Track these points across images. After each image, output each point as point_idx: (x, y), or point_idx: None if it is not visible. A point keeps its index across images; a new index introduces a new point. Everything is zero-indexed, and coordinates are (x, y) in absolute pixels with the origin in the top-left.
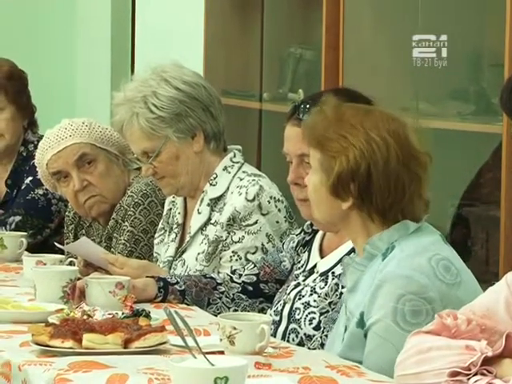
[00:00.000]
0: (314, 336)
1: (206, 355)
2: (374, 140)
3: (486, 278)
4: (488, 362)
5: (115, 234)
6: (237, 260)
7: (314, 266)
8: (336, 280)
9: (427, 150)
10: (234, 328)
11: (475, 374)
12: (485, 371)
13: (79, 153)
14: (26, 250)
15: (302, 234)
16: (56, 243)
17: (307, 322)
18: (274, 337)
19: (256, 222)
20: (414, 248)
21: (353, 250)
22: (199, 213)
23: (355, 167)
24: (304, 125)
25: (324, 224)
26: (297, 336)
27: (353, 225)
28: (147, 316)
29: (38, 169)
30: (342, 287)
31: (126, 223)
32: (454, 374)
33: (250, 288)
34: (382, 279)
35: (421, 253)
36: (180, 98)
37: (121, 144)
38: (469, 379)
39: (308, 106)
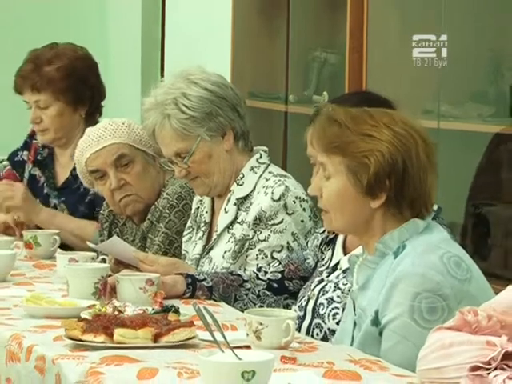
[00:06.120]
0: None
1: (234, 350)
2: (400, 133)
3: (506, 275)
4: (508, 357)
5: (150, 235)
6: (263, 258)
7: (338, 262)
8: None
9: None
10: (261, 323)
11: (495, 369)
12: (505, 366)
13: (118, 153)
14: (59, 247)
15: (326, 232)
16: (88, 242)
17: (331, 317)
18: (299, 332)
19: (282, 222)
20: (425, 246)
21: None
22: (226, 212)
23: (391, 161)
24: (312, 135)
25: (344, 231)
26: (321, 331)
27: (373, 226)
28: (176, 312)
29: (76, 165)
30: None
31: (161, 225)
32: (475, 368)
33: (275, 285)
34: (397, 277)
35: (432, 250)
36: (209, 97)
37: (157, 146)
38: (489, 373)
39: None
